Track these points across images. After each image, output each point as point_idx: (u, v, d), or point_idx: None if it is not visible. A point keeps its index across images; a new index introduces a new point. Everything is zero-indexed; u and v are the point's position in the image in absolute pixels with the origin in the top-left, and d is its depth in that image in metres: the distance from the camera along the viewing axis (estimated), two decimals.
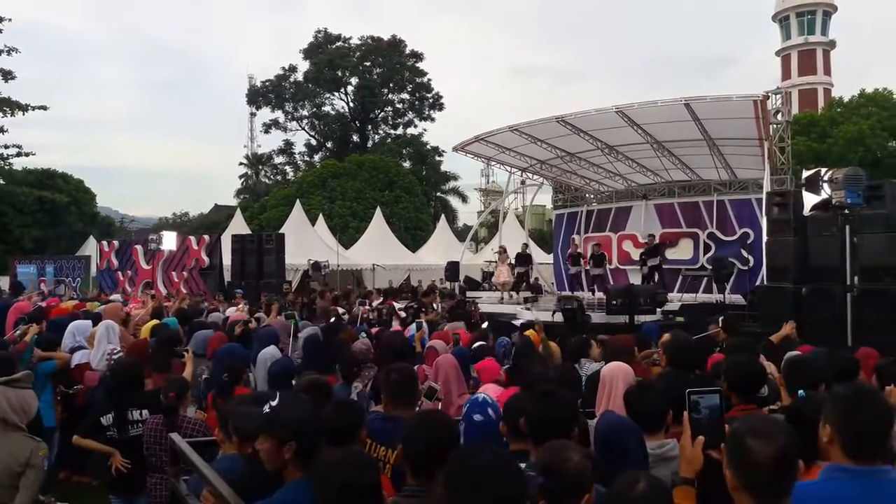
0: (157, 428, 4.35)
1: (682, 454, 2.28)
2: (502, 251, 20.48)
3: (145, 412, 4.68)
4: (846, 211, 9.23)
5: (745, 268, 18.56)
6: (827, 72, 55.11)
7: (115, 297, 14.35)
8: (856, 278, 9.71)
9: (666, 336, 5.03)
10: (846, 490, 2.13)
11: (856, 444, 2.18)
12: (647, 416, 3.01)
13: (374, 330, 8.78)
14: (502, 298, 19.47)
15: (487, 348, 6.25)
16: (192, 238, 20.29)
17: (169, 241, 19.15)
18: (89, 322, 7.68)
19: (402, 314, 11.57)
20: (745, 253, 18.89)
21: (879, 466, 2.16)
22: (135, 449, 4.57)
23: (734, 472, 1.97)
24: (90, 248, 27.54)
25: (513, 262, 20.72)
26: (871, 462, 2.16)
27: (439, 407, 4.21)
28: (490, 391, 4.46)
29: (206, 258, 19.33)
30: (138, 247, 20.85)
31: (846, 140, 32.05)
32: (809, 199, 10.53)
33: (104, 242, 23.08)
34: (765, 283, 12.90)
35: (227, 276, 19.43)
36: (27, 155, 34.63)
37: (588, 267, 20.31)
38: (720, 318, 7.67)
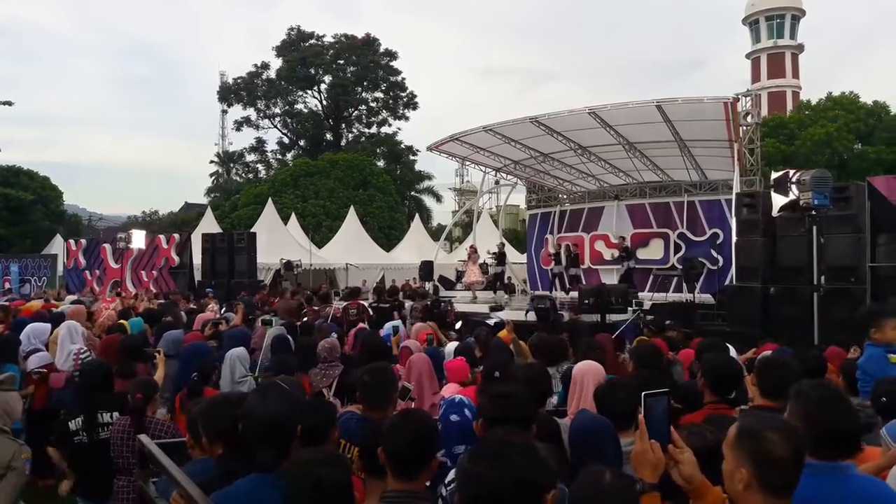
0: (125, 430, 4.27)
1: (644, 458, 2.21)
2: (473, 251, 20.52)
3: (115, 414, 4.59)
4: (813, 212, 9.39)
5: (715, 267, 18.82)
6: (795, 75, 56.10)
7: (74, 297, 14.09)
8: (822, 278, 9.89)
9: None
10: (806, 484, 2.14)
11: (819, 444, 2.22)
12: (617, 413, 3.03)
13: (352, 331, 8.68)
14: (475, 298, 19.51)
15: (468, 348, 6.24)
16: (162, 237, 20.05)
17: (138, 239, 18.87)
18: (48, 325, 7.47)
19: (371, 314, 11.52)
20: (714, 253, 19.16)
21: (839, 462, 2.21)
22: (104, 452, 4.48)
23: (752, 467, 1.93)
24: (57, 246, 27.04)
25: (485, 261, 20.75)
26: (833, 461, 2.21)
27: (412, 406, 4.20)
28: (449, 391, 4.47)
29: (175, 257, 19.11)
30: (107, 245, 20.54)
31: (814, 142, 32.66)
32: (778, 201, 10.71)
33: (71, 241, 22.66)
34: (734, 282, 13.09)
35: (198, 276, 19.20)
36: None
37: (562, 267, 20.46)
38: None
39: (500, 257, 21.00)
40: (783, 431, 1.94)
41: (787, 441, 1.91)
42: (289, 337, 6.92)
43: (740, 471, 1.95)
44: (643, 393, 2.36)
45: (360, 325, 9.41)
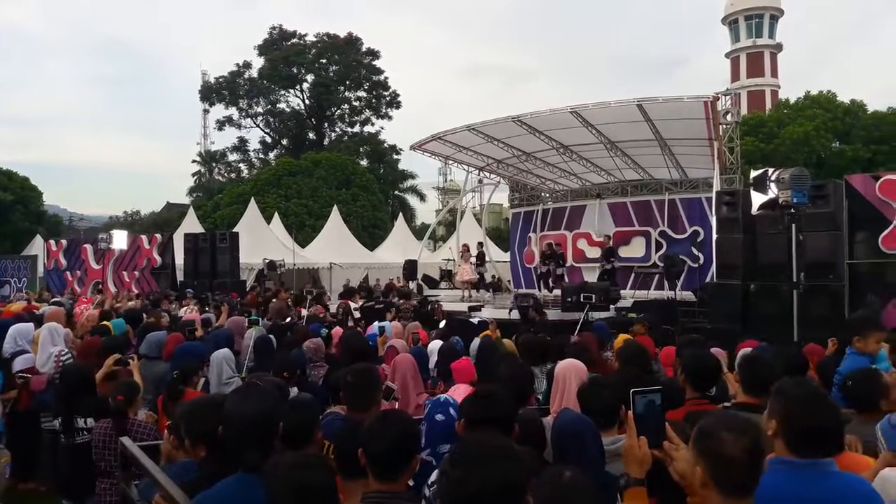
0: (107, 432, 4.25)
1: (631, 454, 2.27)
2: (465, 250, 20.54)
3: (90, 420, 4.56)
4: (792, 210, 9.50)
5: (696, 265, 18.99)
6: (774, 74, 56.67)
7: (58, 298, 13.95)
8: (802, 275, 10.02)
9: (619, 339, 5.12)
10: (780, 480, 2.18)
11: (800, 442, 2.25)
12: (600, 411, 3.05)
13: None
14: (463, 297, 19.57)
15: (453, 348, 6.25)
16: (144, 237, 19.89)
17: (119, 240, 18.70)
18: (31, 325, 7.41)
19: (357, 314, 11.52)
20: (695, 250, 19.32)
21: (819, 459, 2.22)
22: (83, 455, 4.45)
23: (706, 466, 1.96)
24: (37, 247, 26.67)
25: (475, 261, 20.78)
26: (814, 459, 2.22)
27: (396, 406, 4.21)
28: (459, 392, 4.47)
29: (157, 257, 18.97)
30: (88, 246, 20.34)
31: (792, 141, 32.96)
32: (757, 199, 10.82)
33: (52, 242, 22.43)
34: (714, 280, 13.22)
35: (180, 276, 19.06)
36: None
37: (547, 266, 20.54)
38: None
39: (480, 257, 21.05)
40: (737, 431, 1.94)
41: (739, 441, 1.92)
42: (271, 337, 6.92)
43: (697, 469, 1.98)
44: (631, 390, 2.39)
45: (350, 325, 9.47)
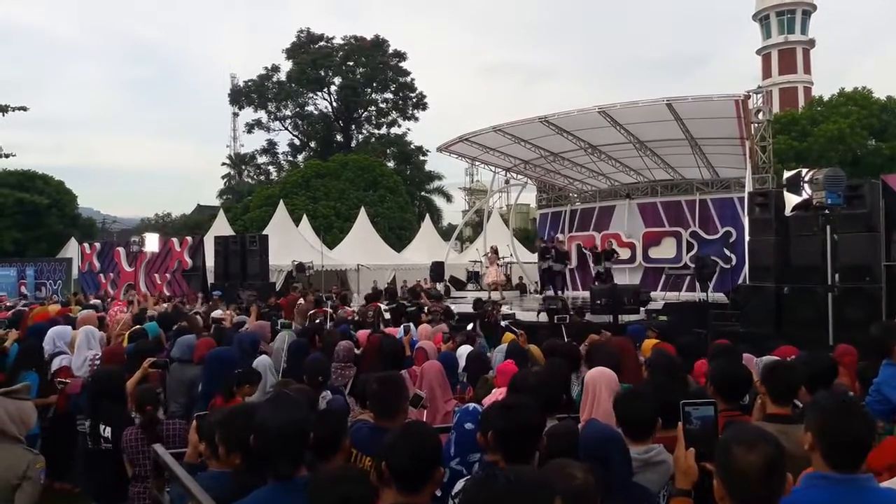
0: (138, 437, 4.33)
1: (678, 465, 2.30)
2: (493, 251, 20.51)
3: (109, 430, 4.64)
4: (826, 211, 9.32)
5: (728, 266, 18.72)
6: (807, 70, 55.68)
7: (97, 300, 14.19)
8: (837, 277, 9.82)
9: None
10: (825, 497, 2.16)
11: (836, 454, 2.21)
12: (637, 423, 3.01)
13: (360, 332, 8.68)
14: (502, 298, 19.51)
15: (482, 354, 6.23)
16: (175, 240, 20.19)
17: (151, 242, 18.97)
18: (69, 327, 7.57)
19: (388, 316, 11.53)
20: (727, 251, 19.06)
21: (858, 475, 2.19)
22: (108, 461, 4.55)
23: (721, 480, 1.98)
24: (71, 250, 27.24)
25: (500, 262, 20.71)
26: (852, 471, 2.19)
27: (425, 414, 4.20)
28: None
29: (188, 260, 19.24)
30: (120, 249, 20.71)
31: (826, 139, 32.37)
32: (791, 200, 10.62)
33: (86, 244, 22.88)
34: (747, 281, 13.01)
35: (211, 278, 19.31)
36: (7, 156, 33.94)
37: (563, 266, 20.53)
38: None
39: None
40: (748, 445, 1.94)
41: (750, 454, 1.91)
42: (305, 341, 6.95)
43: (716, 482, 2.01)
44: (682, 402, 2.46)
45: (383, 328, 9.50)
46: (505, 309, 14.56)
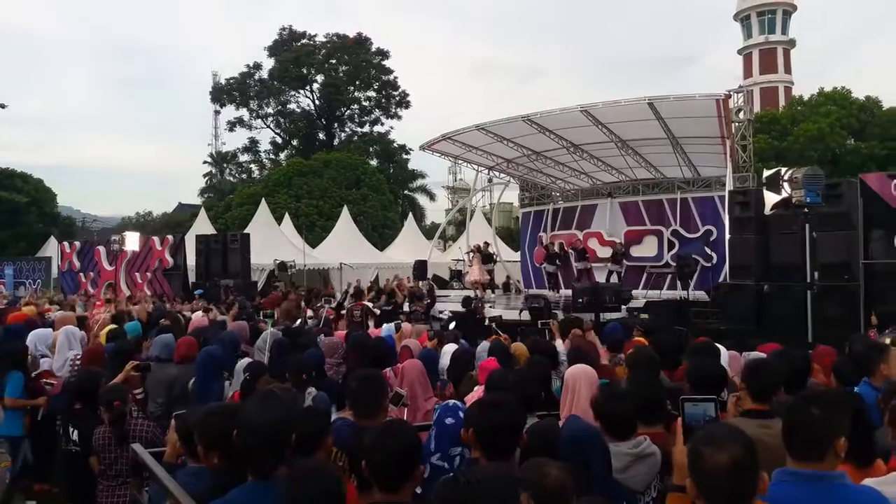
0: (105, 436, 4.31)
1: (676, 461, 2.30)
2: (476, 250, 20.51)
3: (76, 433, 4.63)
4: (806, 210, 9.43)
5: (709, 265, 18.88)
6: (787, 70, 56.15)
7: (78, 300, 14.00)
8: (816, 275, 9.93)
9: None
10: (793, 493, 2.17)
11: (796, 447, 2.25)
12: (618, 422, 3.02)
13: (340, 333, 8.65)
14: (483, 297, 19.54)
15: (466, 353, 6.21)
16: (156, 238, 19.98)
17: (132, 241, 18.72)
18: (50, 331, 7.48)
19: (377, 312, 11.50)
20: (708, 250, 19.22)
21: (829, 471, 2.20)
22: (78, 462, 4.58)
23: (692, 479, 1.99)
24: (51, 249, 26.94)
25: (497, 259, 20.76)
26: (816, 465, 2.20)
27: (406, 412, 4.20)
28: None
29: (169, 259, 19.06)
30: (101, 248, 20.47)
31: (806, 138, 32.67)
32: (770, 198, 10.76)
33: (66, 243, 22.60)
34: (727, 280, 13.12)
35: (192, 277, 19.15)
36: None
37: (556, 267, 20.55)
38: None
39: (487, 258, 21.01)
40: (719, 445, 1.94)
41: (717, 455, 1.91)
42: (286, 339, 6.92)
43: (688, 482, 2.02)
44: (681, 397, 2.50)
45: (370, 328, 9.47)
46: (489, 309, 14.59)
